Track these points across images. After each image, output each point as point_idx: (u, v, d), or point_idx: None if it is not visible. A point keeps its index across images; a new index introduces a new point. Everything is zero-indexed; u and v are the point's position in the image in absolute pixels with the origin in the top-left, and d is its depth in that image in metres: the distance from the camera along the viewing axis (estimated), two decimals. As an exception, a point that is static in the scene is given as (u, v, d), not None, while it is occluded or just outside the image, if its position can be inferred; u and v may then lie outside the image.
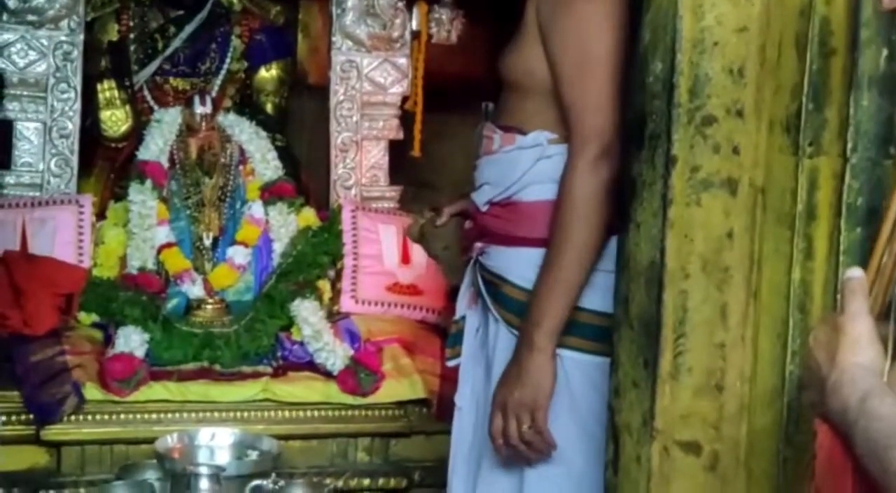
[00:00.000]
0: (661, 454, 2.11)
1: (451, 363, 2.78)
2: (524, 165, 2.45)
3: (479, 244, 2.58)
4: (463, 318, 2.68)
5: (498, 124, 2.53)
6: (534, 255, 2.41)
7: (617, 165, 2.29)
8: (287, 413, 3.41)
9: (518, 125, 2.47)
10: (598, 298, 2.37)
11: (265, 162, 3.86)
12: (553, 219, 2.35)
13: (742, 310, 2.07)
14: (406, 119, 4.12)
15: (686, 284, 2.07)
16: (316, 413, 3.43)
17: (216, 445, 3.17)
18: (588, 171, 2.30)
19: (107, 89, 4.09)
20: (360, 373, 3.43)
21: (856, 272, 1.41)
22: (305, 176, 4.24)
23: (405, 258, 3.82)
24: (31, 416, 3.24)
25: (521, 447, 2.40)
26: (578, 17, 2.34)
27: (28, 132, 3.84)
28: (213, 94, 4.14)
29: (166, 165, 3.77)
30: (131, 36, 4.19)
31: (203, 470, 2.97)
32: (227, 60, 4.24)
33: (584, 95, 2.32)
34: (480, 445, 2.57)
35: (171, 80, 4.20)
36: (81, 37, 3.88)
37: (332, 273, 3.81)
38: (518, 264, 2.47)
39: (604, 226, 2.32)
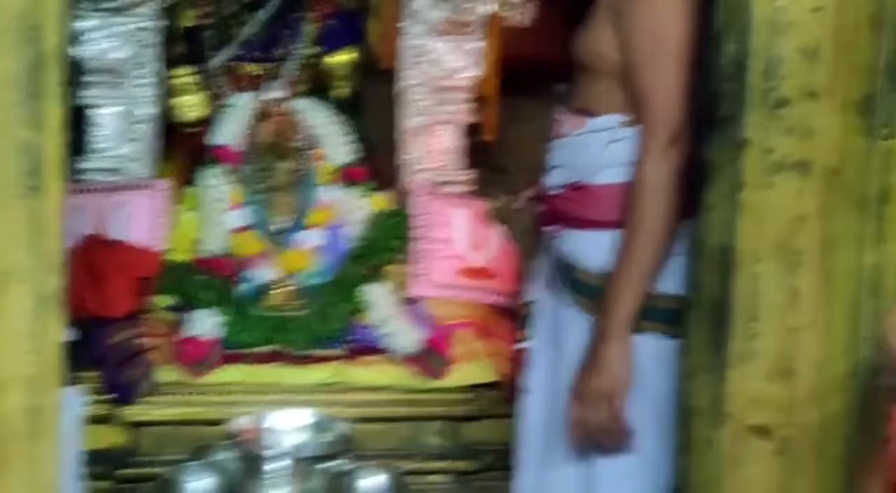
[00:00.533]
0: (732, 438, 2.11)
1: (520, 346, 2.78)
2: (595, 148, 2.45)
3: (551, 228, 2.58)
4: (535, 301, 2.68)
5: (569, 107, 2.53)
6: (606, 238, 2.41)
7: (687, 150, 2.28)
8: (358, 396, 3.42)
9: (589, 108, 2.47)
10: (670, 281, 2.36)
11: (337, 146, 3.87)
12: (626, 206, 2.34)
13: (814, 294, 2.06)
14: (479, 103, 4.10)
15: (758, 267, 2.07)
16: (387, 397, 3.43)
17: (289, 427, 3.18)
18: (660, 156, 2.30)
19: (182, 75, 4.12)
20: (431, 357, 3.44)
21: None
22: (378, 160, 4.24)
23: (477, 242, 3.81)
24: (110, 396, 3.28)
25: (599, 437, 2.40)
26: (651, 2, 2.33)
27: (106, 118, 3.87)
28: (287, 79, 4.16)
29: (240, 149, 3.80)
30: (207, 22, 4.20)
31: (276, 452, 3.00)
32: (300, 45, 4.25)
33: (656, 79, 2.31)
34: (551, 429, 2.57)
35: (246, 65, 4.20)
36: (158, 23, 3.90)
37: (403, 257, 3.82)
38: (590, 248, 2.46)
39: (676, 211, 2.31)
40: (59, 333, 1.89)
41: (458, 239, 3.84)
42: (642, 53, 2.33)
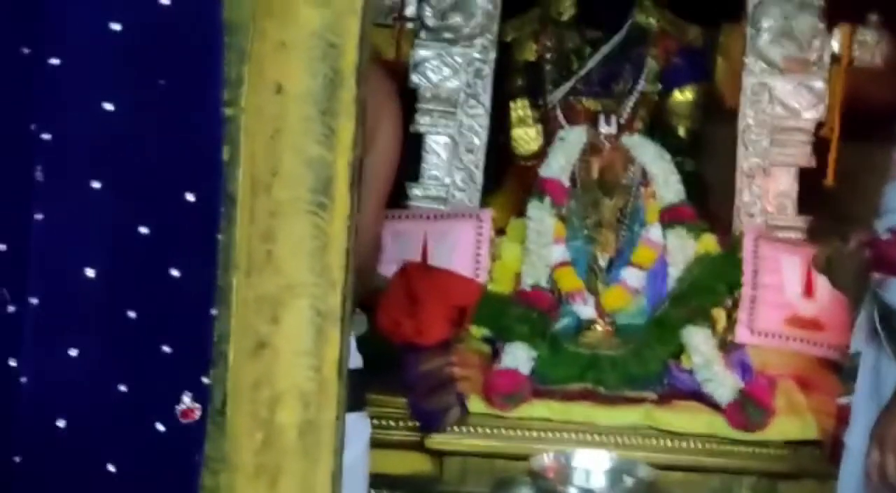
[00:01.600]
0: None
1: (842, 401, 2.64)
2: None
3: (877, 276, 2.42)
4: (858, 353, 2.53)
5: None
6: None
7: None
8: (669, 442, 3.32)
9: None
10: None
11: (667, 185, 3.78)
12: None
13: None
14: (821, 146, 3.92)
15: None
16: (699, 445, 3.32)
17: (592, 468, 3.12)
18: None
19: (520, 108, 4.14)
20: (750, 407, 3.29)
21: None
22: (713, 202, 4.13)
23: (808, 291, 3.63)
24: (416, 423, 3.30)
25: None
26: None
27: (437, 146, 3.92)
28: (625, 115, 4.10)
29: (567, 183, 3.76)
30: (547, 56, 4.20)
31: (576, 491, 2.94)
32: (641, 81, 4.18)
33: None
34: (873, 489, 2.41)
35: (584, 100, 4.17)
36: (493, 55, 3.94)
37: (728, 302, 3.68)
38: None
39: None
40: (339, 350, 1.88)
41: (788, 286, 3.68)
42: None
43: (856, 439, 2.48)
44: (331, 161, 1.84)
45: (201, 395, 1.70)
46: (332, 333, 1.88)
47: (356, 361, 2.65)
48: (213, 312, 1.72)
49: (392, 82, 2.83)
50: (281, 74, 1.80)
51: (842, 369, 3.30)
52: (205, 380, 1.71)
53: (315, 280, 1.86)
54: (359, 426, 2.69)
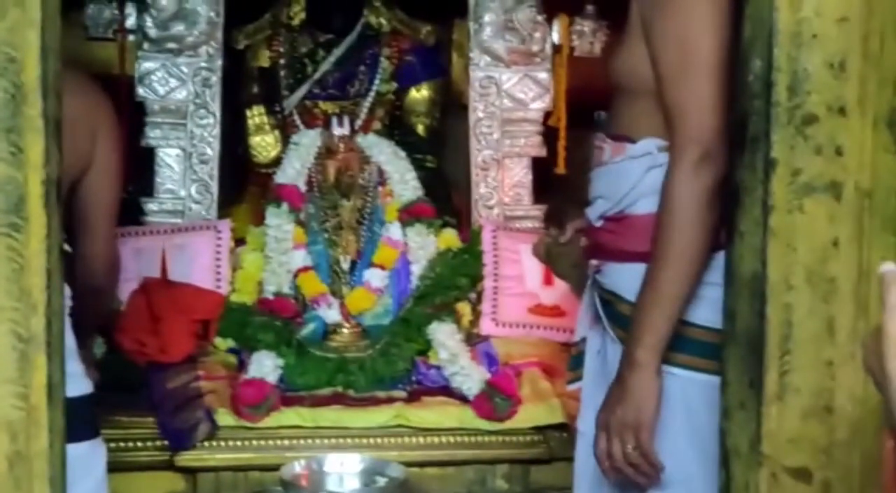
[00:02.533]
0: (770, 480, 1.97)
1: (571, 387, 2.68)
2: (634, 175, 2.32)
3: (594, 262, 2.46)
4: (584, 340, 2.57)
5: (608, 134, 2.40)
6: (644, 270, 2.28)
7: (722, 170, 2.13)
8: (421, 439, 3.32)
9: (627, 133, 2.34)
10: (711, 313, 2.22)
11: (404, 183, 3.79)
12: (654, 227, 2.21)
13: (851, 324, 1.91)
14: (551, 135, 4.00)
15: (790, 296, 1.93)
16: (451, 439, 3.33)
17: (344, 471, 3.11)
18: (689, 175, 2.16)
19: (256, 115, 4.10)
20: (496, 397, 3.32)
21: (890, 265, 1.24)
22: (458, 197, 4.16)
23: (548, 279, 3.69)
24: (166, 442, 3.23)
25: (627, 470, 2.26)
26: (680, 14, 2.20)
27: (169, 159, 3.85)
28: (362, 116, 4.10)
29: (304, 188, 3.74)
30: (281, 61, 4.17)
31: (327, 497, 2.92)
32: (377, 82, 4.19)
33: (685, 95, 2.18)
34: (600, 471, 2.44)
35: (321, 103, 4.16)
36: (220, 62, 3.87)
37: (472, 296, 3.72)
38: (632, 281, 2.32)
39: (708, 235, 2.17)
40: (47, 376, 1.82)
41: (529, 276, 3.73)
42: (672, 68, 2.20)
43: (587, 423, 2.51)
44: (21, 180, 1.78)
45: None
46: (38, 358, 1.83)
47: (83, 387, 2.58)
48: None
49: (103, 96, 2.76)
50: (-42, 92, 1.73)
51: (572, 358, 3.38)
52: None
53: (14, 304, 1.79)
54: (94, 454, 2.62)
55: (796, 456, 1.95)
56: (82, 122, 2.62)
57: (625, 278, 2.35)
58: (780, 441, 1.95)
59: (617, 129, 2.38)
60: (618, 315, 2.36)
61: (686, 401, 2.28)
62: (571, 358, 2.67)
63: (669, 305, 2.19)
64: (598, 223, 2.42)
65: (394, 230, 3.73)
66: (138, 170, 3.77)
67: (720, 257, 2.18)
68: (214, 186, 3.85)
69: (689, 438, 2.28)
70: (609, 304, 2.39)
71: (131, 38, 3.86)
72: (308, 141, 3.82)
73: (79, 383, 2.51)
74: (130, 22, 3.85)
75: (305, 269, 3.64)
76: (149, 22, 3.80)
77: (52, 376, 1.84)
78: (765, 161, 1.92)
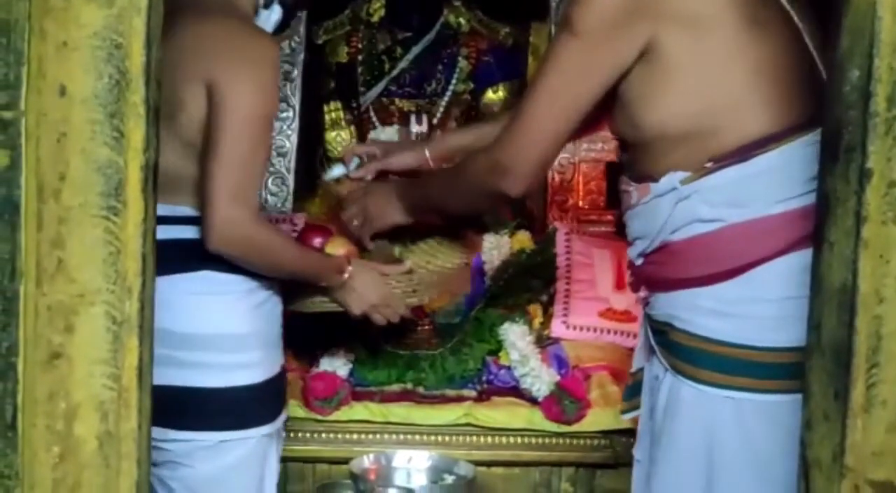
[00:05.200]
0: (852, 494, 1.95)
1: (626, 417, 2.70)
2: (665, 212, 2.33)
3: (642, 294, 2.47)
4: (640, 370, 2.57)
5: (631, 177, 2.42)
6: (693, 295, 2.31)
7: (514, 189, 2.43)
8: (489, 439, 3.34)
9: (649, 173, 2.35)
10: (783, 333, 2.22)
11: (479, 183, 3.79)
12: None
13: (942, 339, 1.89)
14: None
15: (880, 308, 1.91)
16: (518, 440, 3.35)
17: (412, 467, 3.13)
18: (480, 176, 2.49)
19: (333, 111, 4.13)
20: (565, 400, 3.33)
21: None
22: (529, 200, 4.16)
23: (620, 284, 3.69)
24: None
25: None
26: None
27: (247, 152, 3.88)
28: (438, 115, 4.12)
29: (380, 184, 3.75)
30: (359, 58, 4.19)
31: (394, 492, 2.93)
32: (454, 81, 4.20)
33: (519, 112, 2.41)
34: None
35: (397, 101, 4.19)
36: (302, 57, 3.91)
37: (544, 297, 3.72)
38: (682, 308, 2.34)
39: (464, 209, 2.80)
40: (138, 358, 1.84)
41: (600, 280, 3.73)
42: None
43: (643, 452, 2.54)
44: (122, 165, 1.80)
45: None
46: (131, 340, 1.85)
47: (255, 375, 2.67)
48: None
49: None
50: (64, 76, 1.75)
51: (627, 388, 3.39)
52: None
53: (110, 287, 1.82)
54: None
55: (880, 470, 1.93)
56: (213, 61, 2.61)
57: (674, 306, 2.36)
58: (865, 454, 1.93)
59: (639, 171, 2.39)
60: (672, 344, 2.37)
61: (742, 424, 2.28)
62: (627, 388, 2.69)
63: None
64: (640, 261, 2.44)
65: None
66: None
67: (768, 271, 2.19)
68: (291, 179, 3.88)
69: (748, 462, 2.28)
70: (662, 333, 2.40)
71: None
72: (386, 137, 3.84)
73: (252, 371, 2.71)
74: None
75: (381, 265, 3.66)
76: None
77: (143, 358, 1.86)
78: (860, 171, 1.90)
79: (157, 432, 2.42)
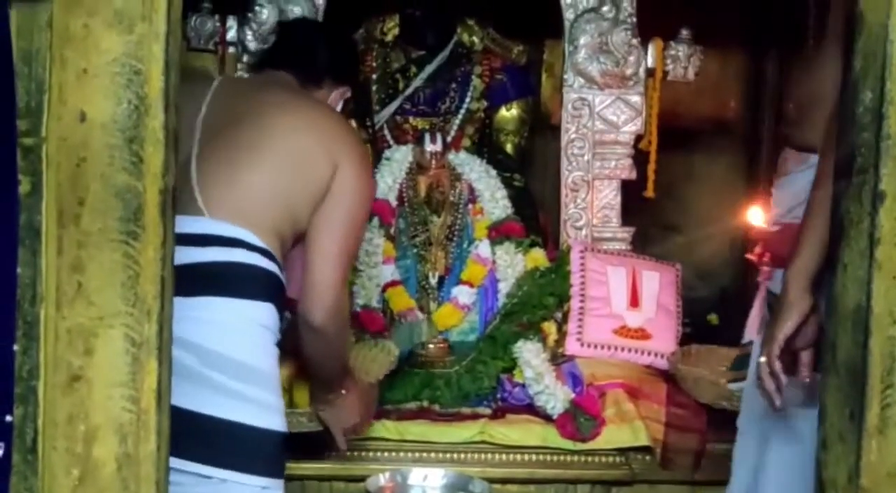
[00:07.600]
0: (867, 515, 1.95)
1: (732, 386, 2.73)
2: (807, 185, 2.38)
3: (765, 268, 2.54)
4: (750, 342, 2.63)
5: (792, 145, 2.54)
6: None
7: None
8: (504, 456, 3.35)
9: (811, 144, 2.42)
10: None
11: (494, 201, 3.82)
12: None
13: (956, 360, 1.90)
14: (641, 158, 4.01)
15: (894, 329, 1.92)
16: (534, 457, 3.35)
17: (428, 485, 3.13)
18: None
19: (347, 129, 4.13)
20: (580, 417, 3.34)
21: None
22: (543, 217, 4.18)
23: (634, 301, 3.70)
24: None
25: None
26: None
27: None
28: (452, 133, 4.13)
29: (394, 203, 3.78)
30: (373, 76, 4.20)
31: (410, 510, 2.95)
32: (467, 100, 4.21)
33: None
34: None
35: (411, 119, 4.19)
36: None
37: (558, 315, 3.73)
38: None
39: None
40: (157, 380, 1.85)
41: (615, 298, 3.74)
42: None
43: (745, 423, 2.60)
44: (140, 190, 1.82)
45: (4, 433, 1.67)
46: (150, 362, 1.86)
47: (271, 421, 2.59)
48: (16, 347, 1.68)
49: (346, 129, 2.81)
50: (85, 102, 1.77)
51: (672, 378, 3.40)
52: (8, 418, 1.67)
53: (128, 310, 1.83)
54: None
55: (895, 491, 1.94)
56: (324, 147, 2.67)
57: None
58: (880, 475, 1.94)
59: (800, 140, 2.50)
60: None
61: None
62: (736, 358, 2.74)
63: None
64: (774, 228, 2.54)
65: (483, 248, 3.76)
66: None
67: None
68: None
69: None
70: (772, 307, 2.44)
71: (231, 50, 3.92)
72: (400, 156, 3.86)
73: (267, 416, 2.57)
74: (231, 35, 3.91)
75: (394, 283, 3.68)
76: (249, 35, 3.87)
77: (161, 380, 1.87)
78: (873, 194, 1.91)
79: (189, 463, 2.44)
